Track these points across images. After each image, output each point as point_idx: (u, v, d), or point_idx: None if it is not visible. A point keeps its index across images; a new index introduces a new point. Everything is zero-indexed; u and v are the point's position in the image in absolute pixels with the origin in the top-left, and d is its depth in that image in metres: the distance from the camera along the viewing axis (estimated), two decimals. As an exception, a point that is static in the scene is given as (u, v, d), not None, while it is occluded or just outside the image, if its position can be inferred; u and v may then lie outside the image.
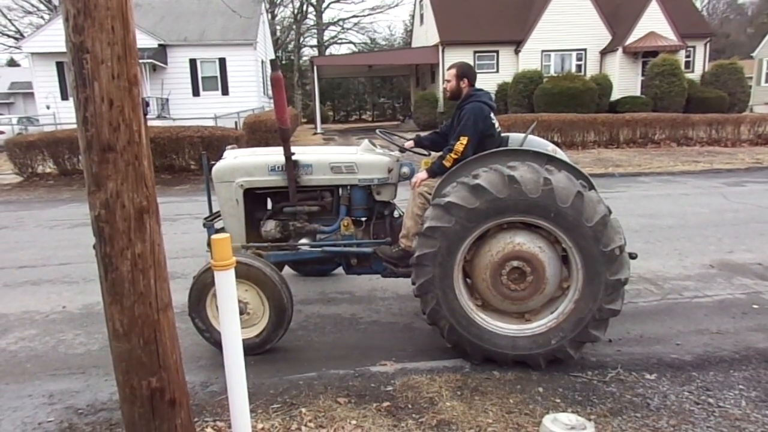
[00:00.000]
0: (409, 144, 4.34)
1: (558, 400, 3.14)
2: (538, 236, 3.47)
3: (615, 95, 22.73)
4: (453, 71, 3.96)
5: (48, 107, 21.80)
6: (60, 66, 20.96)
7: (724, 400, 3.12)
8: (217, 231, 4.25)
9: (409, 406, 3.10)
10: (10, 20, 34.46)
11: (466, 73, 3.95)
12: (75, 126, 2.18)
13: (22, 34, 31.34)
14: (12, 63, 45.94)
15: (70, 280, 5.77)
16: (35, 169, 13.60)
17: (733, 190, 10.29)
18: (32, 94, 23.91)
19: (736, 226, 7.31)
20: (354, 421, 2.93)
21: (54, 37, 19.89)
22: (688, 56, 24.56)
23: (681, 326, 4.22)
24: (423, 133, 4.43)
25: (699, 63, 25.08)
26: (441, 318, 3.50)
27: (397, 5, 54.16)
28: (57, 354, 4.03)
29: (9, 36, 35.26)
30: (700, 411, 3.00)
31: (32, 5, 33.53)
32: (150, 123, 15.62)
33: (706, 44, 25.26)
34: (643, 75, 23.34)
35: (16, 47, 32.74)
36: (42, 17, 32.64)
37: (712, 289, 5.00)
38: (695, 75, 24.37)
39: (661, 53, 22.56)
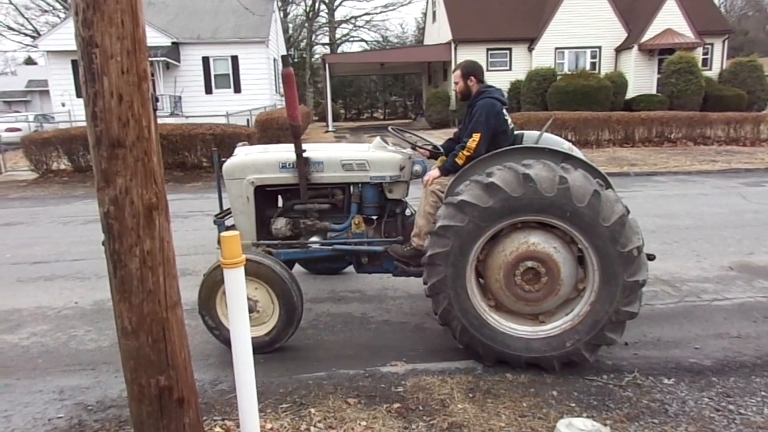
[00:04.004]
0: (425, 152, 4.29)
1: (573, 404, 3.07)
2: (554, 236, 3.40)
3: (630, 93, 22.44)
4: (458, 72, 3.92)
5: (63, 104, 22.04)
6: (75, 64, 21.10)
7: (746, 407, 3.02)
8: (228, 228, 4.23)
9: (420, 407, 3.05)
10: (27, 19, 34.94)
11: (471, 71, 3.89)
12: (88, 122, 2.15)
13: (38, 33, 31.71)
14: (29, 61, 46.52)
15: (82, 276, 5.80)
16: (50, 166, 13.74)
17: (753, 190, 10.09)
18: (48, 91, 24.18)
19: (756, 227, 7.16)
20: (364, 422, 2.89)
21: (69, 35, 19.90)
22: (705, 53, 24.14)
23: (699, 330, 4.12)
24: (440, 142, 4.35)
25: (717, 60, 24.66)
26: (453, 318, 3.44)
27: (409, 3, 53.78)
28: (68, 350, 4.04)
29: (26, 35, 35.70)
30: (721, 418, 2.92)
31: (48, 4, 33.94)
32: (163, 120, 15.79)
33: (724, 41, 24.82)
34: (659, 73, 23.00)
35: (32, 45, 33.14)
36: (58, 16, 33.01)
37: (732, 292, 4.88)
38: (713, 73, 23.96)
39: (677, 50, 22.20)
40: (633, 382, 3.31)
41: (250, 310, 3.57)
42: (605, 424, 2.80)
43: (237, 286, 2.34)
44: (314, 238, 4.21)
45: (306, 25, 40.27)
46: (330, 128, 25.03)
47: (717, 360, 3.62)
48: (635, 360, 3.64)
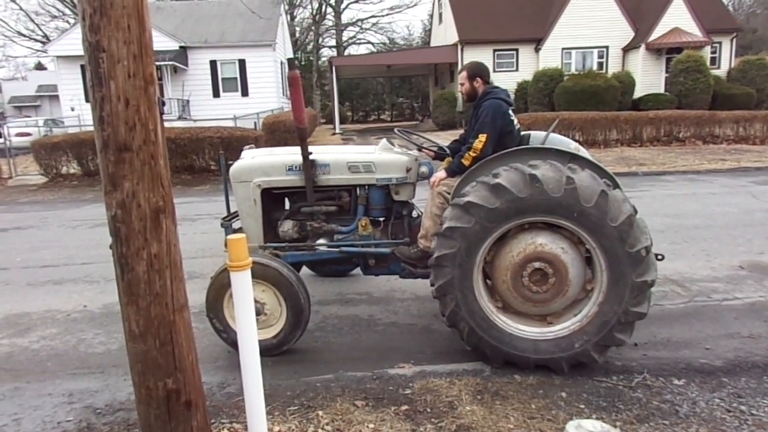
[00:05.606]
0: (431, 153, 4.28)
1: (582, 406, 3.04)
2: (561, 237, 3.38)
3: (638, 93, 22.31)
4: (464, 73, 3.92)
5: (73, 109, 22.23)
6: (84, 69, 21.28)
7: (758, 407, 2.99)
8: (235, 231, 4.24)
9: (428, 409, 3.04)
10: (37, 25, 35.34)
11: (477, 72, 3.89)
12: (97, 127, 2.16)
13: (48, 38, 32.04)
14: (39, 67, 46.98)
15: (91, 279, 5.84)
16: (60, 170, 13.86)
17: (763, 189, 9.99)
18: (58, 96, 24.41)
19: (766, 226, 7.08)
20: (371, 425, 2.88)
21: (78, 40, 19.90)
22: (713, 52, 23.97)
23: (710, 330, 4.08)
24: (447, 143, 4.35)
25: (725, 59, 24.46)
26: (460, 320, 3.43)
27: (415, 5, 53.94)
28: (77, 353, 4.07)
29: (36, 40, 36.11)
30: (732, 419, 2.89)
31: (58, 10, 34.29)
32: (171, 124, 15.87)
33: (732, 40, 24.63)
34: (667, 72, 22.84)
35: (42, 51, 33.49)
36: (68, 21, 33.35)
37: (743, 292, 4.83)
38: (721, 71, 23.78)
39: (685, 49, 22.06)
40: (643, 383, 3.28)
41: (258, 313, 3.57)
42: (615, 426, 2.77)
43: (244, 288, 2.34)
44: (321, 241, 4.21)
45: (313, 28, 40.40)
46: (337, 131, 25.09)
47: (728, 360, 3.58)
48: (645, 361, 3.61)
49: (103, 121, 2.06)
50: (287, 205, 4.47)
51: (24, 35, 35.81)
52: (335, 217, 4.28)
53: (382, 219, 4.29)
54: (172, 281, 2.23)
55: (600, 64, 24.33)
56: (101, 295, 5.30)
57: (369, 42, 44.62)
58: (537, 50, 24.51)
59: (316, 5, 39.37)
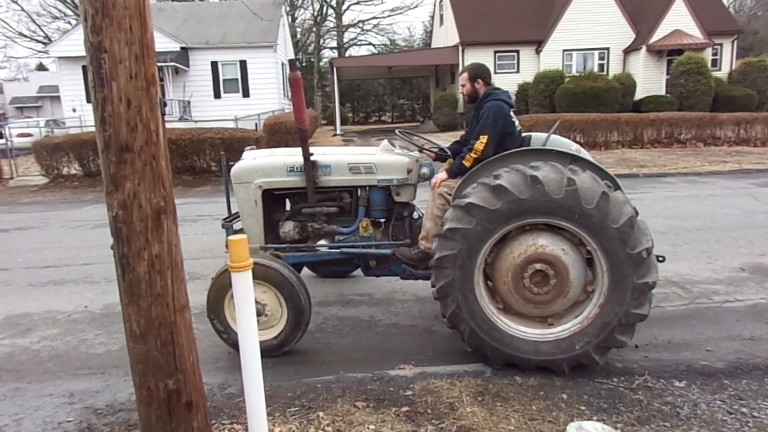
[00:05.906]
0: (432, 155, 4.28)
1: (583, 408, 3.04)
2: (562, 238, 3.38)
3: (639, 94, 22.31)
4: (465, 75, 3.92)
5: (74, 110, 22.24)
6: (86, 70, 21.24)
7: (759, 410, 2.98)
8: (236, 232, 4.24)
9: (429, 411, 3.03)
10: (39, 26, 35.40)
11: (478, 73, 3.89)
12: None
13: (50, 39, 32.08)
14: (40, 67, 47.06)
15: (92, 280, 5.84)
16: (61, 171, 13.88)
17: (764, 190, 9.98)
18: (59, 97, 24.43)
19: (767, 228, 7.07)
20: (372, 426, 2.88)
21: (80, 41, 19.86)
22: (714, 54, 23.95)
23: (711, 332, 4.08)
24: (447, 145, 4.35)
25: (726, 61, 24.44)
26: (461, 321, 3.43)
27: (416, 6, 54.16)
28: (78, 354, 4.07)
29: (38, 41, 36.18)
30: (733, 421, 2.88)
31: (60, 11, 34.35)
32: (172, 125, 15.88)
33: (733, 42, 24.62)
34: (668, 74, 22.84)
35: (44, 52, 33.57)
36: (69, 22, 33.38)
37: (744, 294, 4.83)
38: (722, 73, 23.76)
39: (686, 51, 22.05)
40: (644, 385, 3.28)
41: (259, 314, 3.57)
42: (616, 428, 2.77)
43: (245, 289, 2.35)
44: (322, 242, 4.22)
45: (314, 29, 40.42)
46: (338, 132, 25.09)
47: (729, 362, 3.58)
48: (646, 362, 3.60)
49: (104, 121, 2.06)
50: (288, 206, 4.47)
51: (25, 36, 35.90)
52: (336, 218, 4.28)
53: (383, 220, 4.29)
54: (173, 282, 2.23)
55: (601, 66, 24.31)
56: (102, 295, 5.30)
57: (370, 43, 44.63)
58: (538, 52, 24.52)
59: (317, 6, 39.46)
